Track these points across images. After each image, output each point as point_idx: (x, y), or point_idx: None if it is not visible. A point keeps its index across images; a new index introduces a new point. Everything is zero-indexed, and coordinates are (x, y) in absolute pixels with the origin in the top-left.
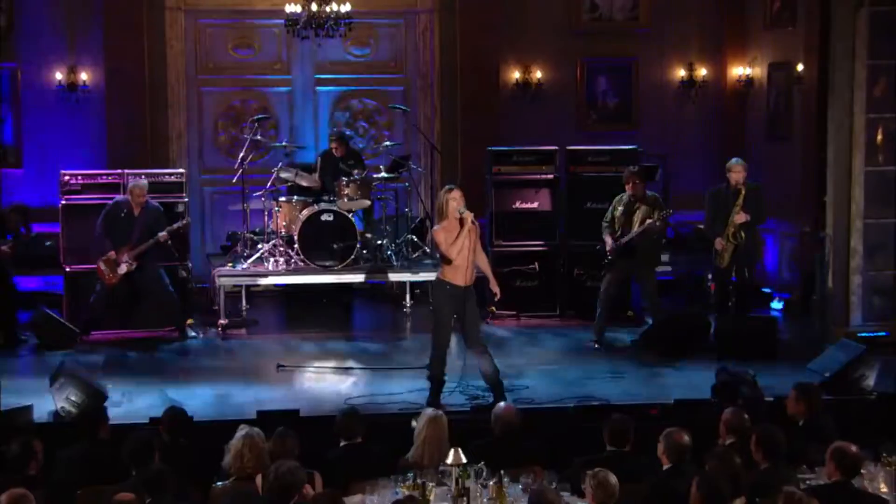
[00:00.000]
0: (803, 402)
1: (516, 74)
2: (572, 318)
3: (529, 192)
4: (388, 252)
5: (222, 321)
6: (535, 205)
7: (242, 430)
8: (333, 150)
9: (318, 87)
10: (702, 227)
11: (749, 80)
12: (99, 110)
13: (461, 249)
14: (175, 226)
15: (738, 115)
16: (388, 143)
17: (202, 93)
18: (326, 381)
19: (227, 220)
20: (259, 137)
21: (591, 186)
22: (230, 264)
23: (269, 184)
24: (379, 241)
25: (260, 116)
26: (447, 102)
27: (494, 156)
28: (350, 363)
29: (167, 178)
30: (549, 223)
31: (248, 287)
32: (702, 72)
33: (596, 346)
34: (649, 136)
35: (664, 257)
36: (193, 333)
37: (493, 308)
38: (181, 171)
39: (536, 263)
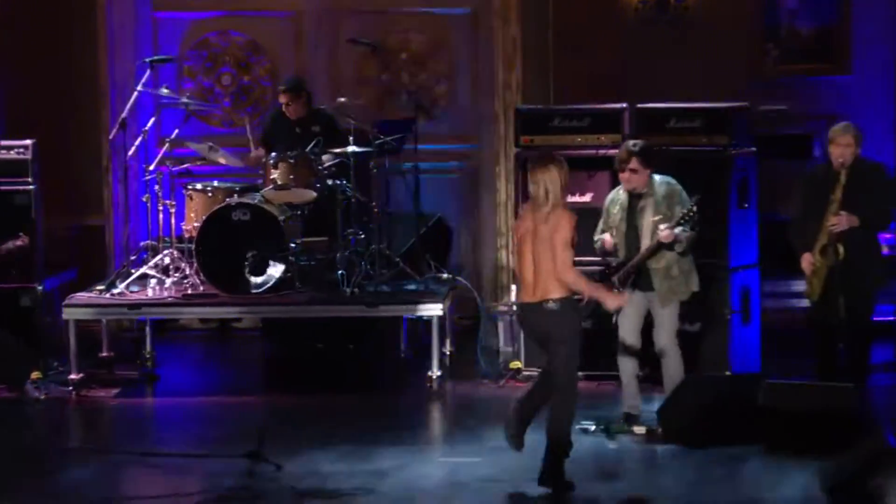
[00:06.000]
0: None
1: None
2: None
3: (578, 176)
4: (338, 272)
5: (73, 376)
6: (588, 197)
7: None
8: (284, 108)
9: (339, 13)
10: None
11: None
12: None
13: None
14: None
15: None
16: (341, 99)
17: (158, 21)
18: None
19: None
20: (165, 90)
21: (675, 168)
22: (99, 288)
23: (153, 164)
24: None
25: (160, 57)
26: (535, 34)
27: (522, 119)
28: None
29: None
30: None
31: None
32: None
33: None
34: (867, 83)
35: None
36: (35, 394)
37: (519, 363)
38: (25, 143)
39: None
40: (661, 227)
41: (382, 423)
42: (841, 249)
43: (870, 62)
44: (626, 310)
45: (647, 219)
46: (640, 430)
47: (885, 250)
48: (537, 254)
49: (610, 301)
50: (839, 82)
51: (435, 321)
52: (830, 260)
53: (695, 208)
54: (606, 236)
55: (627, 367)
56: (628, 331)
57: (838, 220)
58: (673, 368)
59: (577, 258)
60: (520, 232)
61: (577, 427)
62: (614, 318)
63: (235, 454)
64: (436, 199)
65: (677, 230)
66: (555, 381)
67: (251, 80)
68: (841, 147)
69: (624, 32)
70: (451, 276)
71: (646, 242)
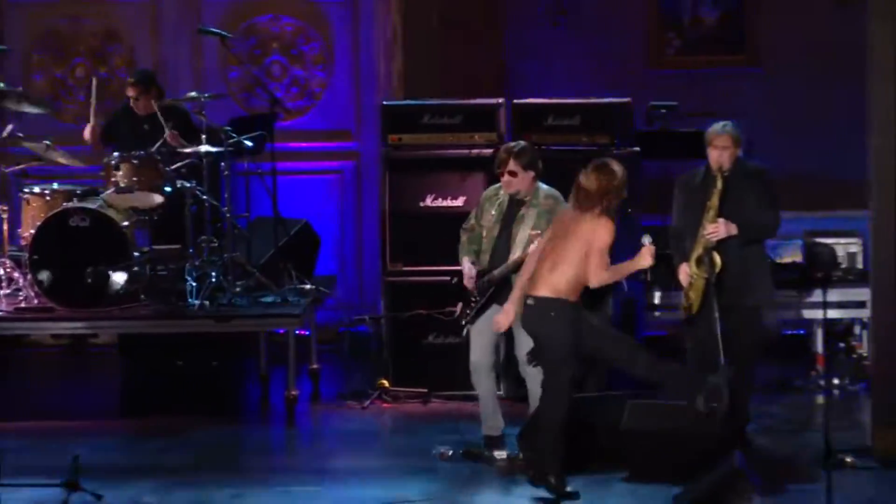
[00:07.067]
0: None
1: None
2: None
3: (451, 178)
4: (189, 283)
5: None
6: (460, 201)
7: None
8: (132, 103)
9: None
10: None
11: None
12: None
13: None
14: None
15: None
16: (192, 93)
17: (3, 7)
18: None
19: None
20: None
21: (555, 169)
22: None
23: None
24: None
25: None
26: (418, 21)
27: (389, 115)
28: None
29: None
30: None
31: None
32: None
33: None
34: (780, 76)
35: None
36: None
37: (386, 382)
38: None
39: (460, 305)
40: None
41: (225, 446)
42: (718, 260)
43: (780, 53)
44: (481, 324)
45: (525, 230)
46: (500, 454)
47: (798, 258)
48: (560, 251)
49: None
50: (746, 74)
51: (291, 336)
52: (705, 271)
53: None
54: (467, 266)
55: (483, 386)
56: (482, 346)
57: (715, 229)
58: (537, 389)
59: (433, 267)
60: (554, 228)
61: (434, 452)
62: (465, 331)
63: (53, 483)
64: (312, 203)
65: None
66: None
67: (107, 71)
68: (718, 149)
69: (514, 20)
70: (314, 287)
71: (516, 254)
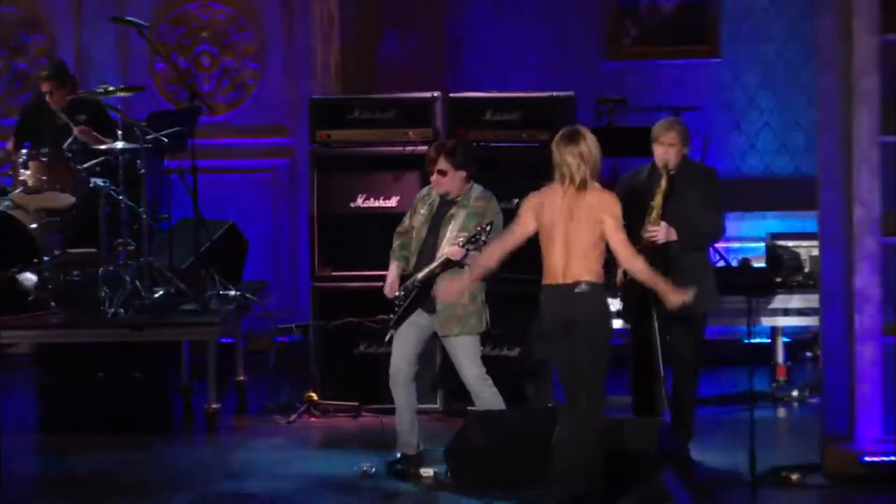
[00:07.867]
0: None
1: None
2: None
3: (383, 177)
4: (103, 292)
5: None
6: (394, 202)
7: None
8: (46, 96)
9: None
10: None
11: None
12: None
13: None
14: None
15: None
16: (105, 85)
17: None
18: None
19: None
20: None
21: (493, 167)
22: None
23: None
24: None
25: None
26: (355, 7)
27: (318, 110)
28: None
29: None
30: None
31: None
32: None
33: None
34: (738, 67)
35: None
36: None
37: (314, 394)
38: None
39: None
40: (458, 239)
41: (138, 464)
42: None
43: (741, 44)
44: (405, 329)
45: (452, 231)
46: (427, 472)
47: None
48: (571, 236)
49: (674, 297)
50: (706, 66)
51: (211, 346)
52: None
53: (489, 228)
54: (392, 274)
55: (400, 398)
56: (402, 354)
57: (655, 231)
58: (488, 400)
59: (365, 272)
60: (547, 215)
61: (356, 469)
62: (388, 336)
63: None
64: (244, 204)
65: (471, 249)
66: (581, 385)
67: (26, 62)
68: (664, 147)
69: (458, 7)
70: (240, 293)
71: (442, 250)
